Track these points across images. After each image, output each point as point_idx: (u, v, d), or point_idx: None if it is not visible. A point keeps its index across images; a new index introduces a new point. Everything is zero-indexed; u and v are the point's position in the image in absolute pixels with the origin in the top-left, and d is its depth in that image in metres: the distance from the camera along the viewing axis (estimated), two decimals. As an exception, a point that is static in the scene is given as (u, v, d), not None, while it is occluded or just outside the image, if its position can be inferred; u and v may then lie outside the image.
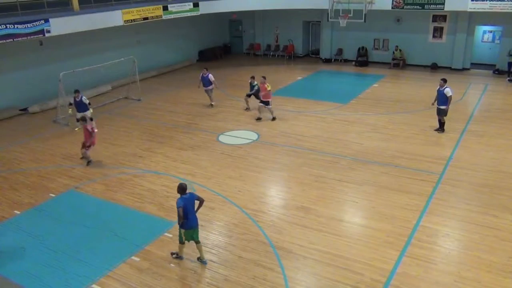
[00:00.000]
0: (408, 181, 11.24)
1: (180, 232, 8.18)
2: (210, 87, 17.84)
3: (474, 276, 7.77)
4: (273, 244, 8.87)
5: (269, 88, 15.72)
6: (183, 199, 7.89)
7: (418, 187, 10.91)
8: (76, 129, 14.27)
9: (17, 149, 14.33)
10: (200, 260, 8.43)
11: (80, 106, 14.85)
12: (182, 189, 7.95)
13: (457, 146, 13.34)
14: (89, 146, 12.73)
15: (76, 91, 14.75)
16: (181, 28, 25.46)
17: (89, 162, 12.88)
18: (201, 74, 17.81)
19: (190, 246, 8.88)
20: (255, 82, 16.63)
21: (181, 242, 8.32)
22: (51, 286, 7.90)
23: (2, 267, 8.47)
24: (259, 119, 16.09)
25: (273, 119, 16.09)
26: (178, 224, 8.00)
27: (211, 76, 17.55)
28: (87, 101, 14.87)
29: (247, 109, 17.17)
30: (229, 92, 20.21)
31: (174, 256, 8.60)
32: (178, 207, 7.78)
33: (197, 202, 8.21)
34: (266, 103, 15.88)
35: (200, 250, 8.41)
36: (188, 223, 7.98)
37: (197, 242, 8.32)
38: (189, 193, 8.08)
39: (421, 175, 11.55)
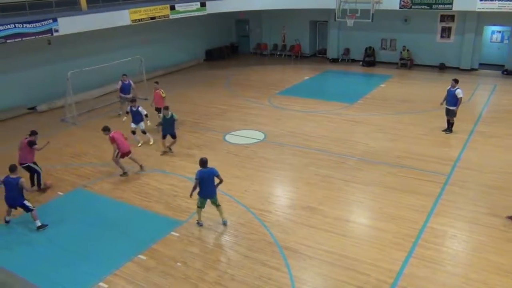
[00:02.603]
0: (415, 182, 11.19)
1: (198, 198, 9.31)
2: (129, 96, 16.39)
3: (481, 278, 7.72)
4: (280, 244, 8.87)
5: (164, 95, 15.08)
6: (201, 172, 9.02)
7: (425, 188, 10.86)
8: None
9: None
10: (222, 221, 9.58)
11: (135, 117, 14.02)
12: (202, 162, 9.06)
13: (465, 147, 13.26)
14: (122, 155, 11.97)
15: (133, 100, 14.16)
16: (188, 28, 25.49)
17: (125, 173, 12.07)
18: (121, 81, 16.46)
19: (198, 245, 8.92)
20: (170, 113, 13.09)
21: (198, 206, 9.41)
22: (59, 283, 7.95)
23: (11, 264, 8.53)
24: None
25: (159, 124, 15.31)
26: (191, 192, 9.20)
27: (132, 83, 16.65)
28: (144, 112, 13.90)
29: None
30: (236, 91, 20.24)
31: (197, 222, 9.58)
32: (195, 178, 8.99)
33: (217, 179, 9.19)
34: (159, 110, 15.00)
35: (220, 213, 9.51)
36: (202, 192, 9.15)
37: (217, 205, 9.46)
38: (210, 168, 9.12)
39: (429, 176, 11.50)
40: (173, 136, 13.27)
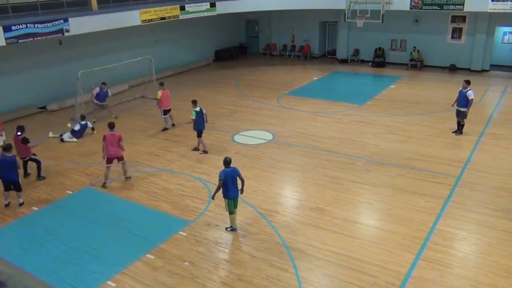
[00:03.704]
0: (425, 184, 11.11)
1: (225, 202, 9.06)
2: (105, 103, 16.63)
3: (491, 281, 7.64)
4: (287, 245, 8.85)
5: (158, 97, 15.15)
6: (225, 172, 8.84)
7: (434, 190, 10.78)
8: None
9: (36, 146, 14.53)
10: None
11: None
12: (226, 162, 8.96)
13: (476, 148, 13.14)
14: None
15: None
16: (198, 28, 25.58)
17: (127, 178, 11.92)
18: (100, 89, 16.40)
19: (205, 245, 8.94)
20: (198, 108, 13.19)
21: (230, 212, 9.15)
22: (67, 282, 8.00)
23: (20, 261, 8.60)
24: (165, 129, 15.71)
25: (164, 129, 15.63)
26: (215, 193, 9.00)
27: (110, 93, 16.72)
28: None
29: (197, 149, 13.70)
30: (245, 92, 20.25)
31: (229, 229, 9.32)
32: (219, 179, 8.79)
33: (240, 180, 9.09)
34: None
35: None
36: (229, 193, 8.91)
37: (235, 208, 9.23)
38: (233, 167, 8.96)
39: (438, 177, 11.41)
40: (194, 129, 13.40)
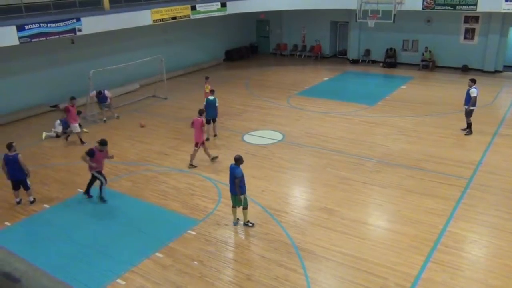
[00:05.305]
0: (435, 185, 11.02)
1: None
2: (107, 102, 16.75)
3: (502, 285, 7.56)
4: (296, 245, 8.84)
5: (207, 90, 15.62)
6: (230, 166, 9.25)
7: (445, 192, 10.68)
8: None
9: (48, 144, 14.71)
10: (244, 223, 9.60)
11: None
12: (235, 159, 9.18)
13: (488, 150, 13.00)
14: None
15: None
16: (209, 28, 25.62)
17: (214, 158, 12.78)
18: (96, 94, 16.39)
19: (214, 244, 8.95)
20: (212, 97, 14.41)
21: (232, 206, 9.55)
22: (77, 279, 8.05)
23: (31, 258, 8.69)
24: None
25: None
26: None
27: (107, 93, 16.71)
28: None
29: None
30: (255, 92, 20.26)
31: (234, 223, 9.66)
32: None
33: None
34: None
35: (244, 215, 9.52)
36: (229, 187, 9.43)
37: (244, 208, 9.44)
38: (234, 166, 9.14)
39: (449, 179, 11.30)
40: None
